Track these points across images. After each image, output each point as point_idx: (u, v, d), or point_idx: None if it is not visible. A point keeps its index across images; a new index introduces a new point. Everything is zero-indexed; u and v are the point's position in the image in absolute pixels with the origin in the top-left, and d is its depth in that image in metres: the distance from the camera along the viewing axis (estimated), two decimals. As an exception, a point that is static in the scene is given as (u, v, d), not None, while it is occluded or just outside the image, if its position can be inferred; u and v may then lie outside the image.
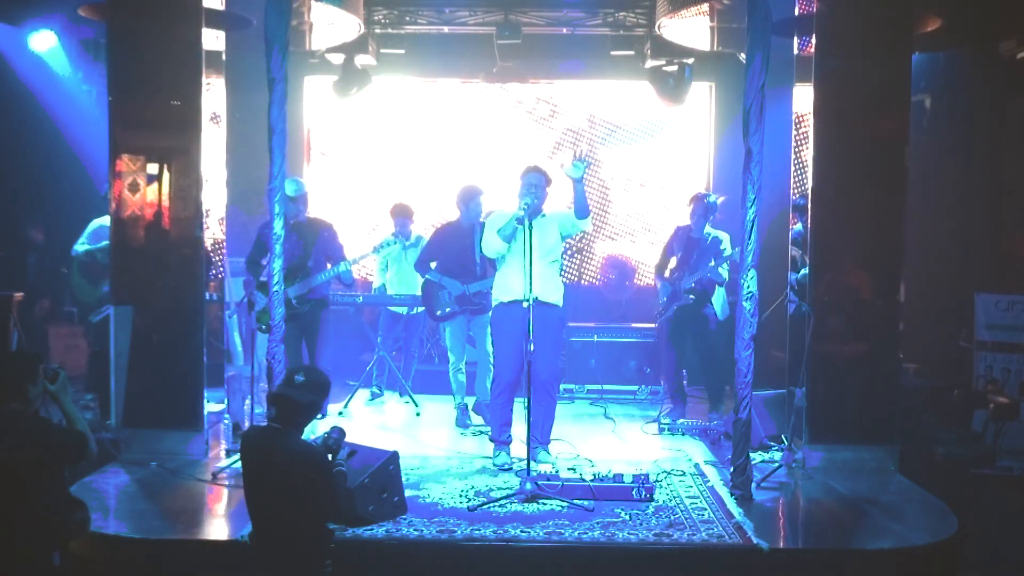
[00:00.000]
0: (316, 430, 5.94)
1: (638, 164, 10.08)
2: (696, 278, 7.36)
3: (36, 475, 4.00)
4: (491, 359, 7.33)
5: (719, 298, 7.52)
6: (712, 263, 7.19)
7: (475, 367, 7.43)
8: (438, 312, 7.28)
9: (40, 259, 8.61)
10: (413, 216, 8.28)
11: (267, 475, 4.05)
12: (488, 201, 7.44)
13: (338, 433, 4.51)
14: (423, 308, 7.88)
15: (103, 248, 7.03)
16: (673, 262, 7.70)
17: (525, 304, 5.75)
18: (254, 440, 4.18)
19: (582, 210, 6.05)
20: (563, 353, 8.01)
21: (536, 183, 6.06)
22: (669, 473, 5.96)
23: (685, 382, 7.87)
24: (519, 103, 10.10)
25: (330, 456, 4.44)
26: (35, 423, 4.10)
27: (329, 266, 7.00)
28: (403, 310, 8.27)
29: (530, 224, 5.78)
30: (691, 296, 7.44)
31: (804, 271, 6.49)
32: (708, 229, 7.46)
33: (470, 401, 7.44)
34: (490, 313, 7.27)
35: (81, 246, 7.35)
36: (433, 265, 7.30)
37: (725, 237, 7.40)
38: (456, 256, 7.17)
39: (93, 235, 7.40)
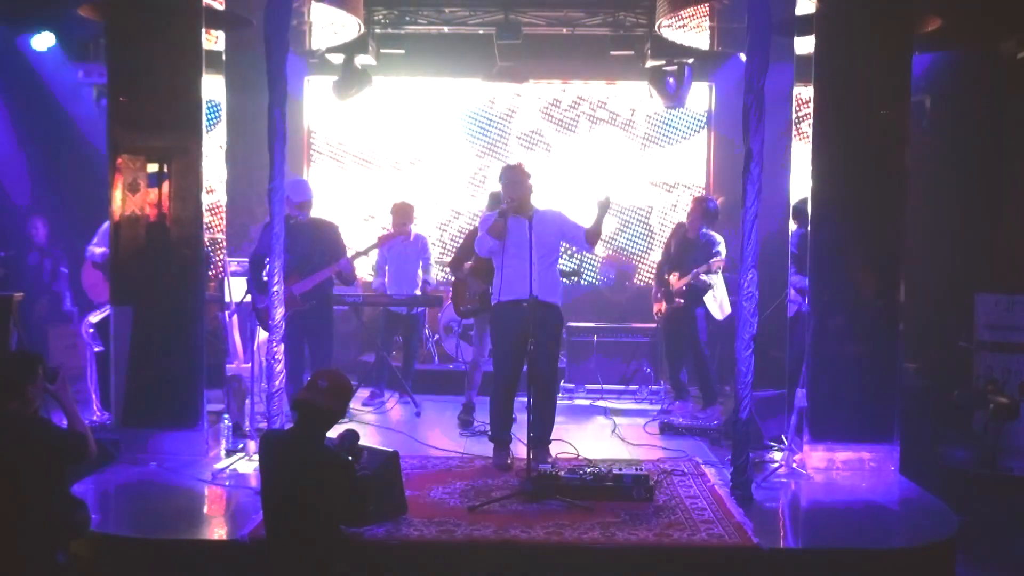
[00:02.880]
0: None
1: (638, 164, 10.09)
2: (684, 282, 7.40)
3: (37, 474, 4.00)
4: None
5: (719, 295, 7.54)
6: (696, 269, 7.26)
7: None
8: (461, 308, 7.34)
9: (40, 259, 8.60)
10: (414, 215, 8.28)
11: (288, 481, 4.02)
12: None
13: (353, 436, 4.48)
14: (423, 308, 7.89)
15: None
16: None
17: (525, 304, 5.75)
18: (274, 445, 4.15)
19: (594, 237, 6.10)
20: (562, 353, 8.02)
21: (515, 179, 6.09)
22: (669, 473, 5.96)
23: (685, 380, 7.88)
24: (519, 103, 10.11)
25: (350, 459, 4.43)
26: (35, 423, 4.10)
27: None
28: (403, 310, 8.26)
29: (530, 222, 5.78)
30: (680, 299, 7.46)
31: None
32: (705, 230, 7.50)
33: (478, 401, 7.43)
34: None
35: (97, 247, 7.38)
36: (467, 265, 7.33)
37: (720, 240, 7.43)
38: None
39: (106, 235, 7.42)
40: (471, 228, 7.68)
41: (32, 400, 4.11)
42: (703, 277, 7.27)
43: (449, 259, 7.88)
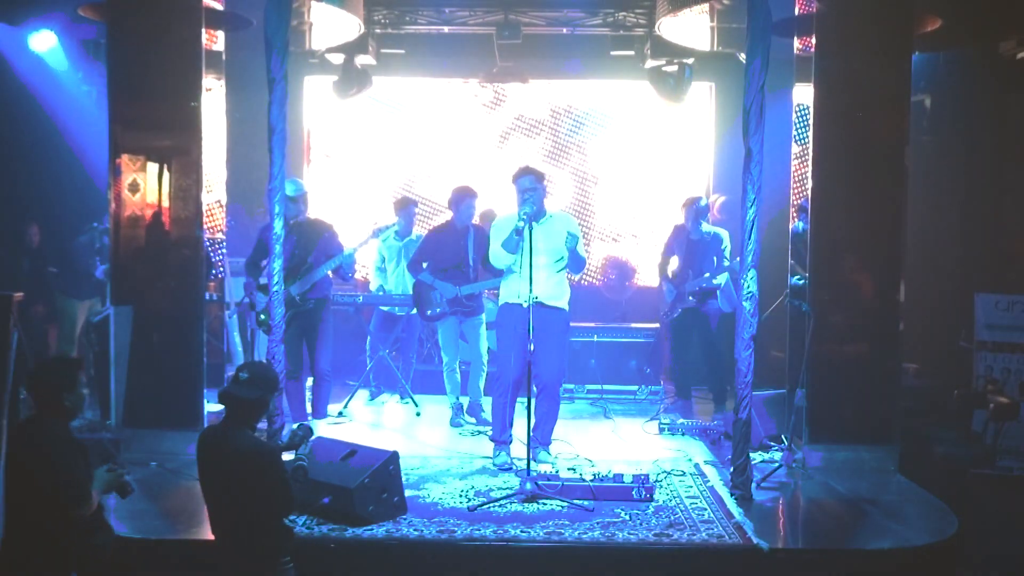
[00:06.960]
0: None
1: (638, 164, 10.08)
2: (698, 283, 7.42)
3: (58, 493, 3.93)
4: (483, 359, 7.34)
5: (727, 290, 7.56)
6: (708, 274, 7.26)
7: (468, 367, 7.44)
8: (428, 312, 7.29)
9: (32, 261, 8.58)
10: (416, 210, 8.27)
11: (220, 474, 4.08)
12: (482, 203, 7.43)
13: (304, 430, 4.57)
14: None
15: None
16: (674, 262, 7.75)
17: (525, 305, 5.75)
18: (206, 440, 4.20)
19: (575, 267, 6.12)
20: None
21: (530, 187, 5.99)
22: (669, 473, 5.96)
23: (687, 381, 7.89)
24: (519, 103, 10.11)
25: (295, 451, 4.47)
26: (71, 447, 4.01)
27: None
28: (402, 310, 8.26)
29: (530, 227, 5.76)
30: (692, 299, 7.49)
31: (799, 279, 6.50)
32: (707, 227, 7.54)
33: (465, 401, 7.44)
34: (483, 315, 7.30)
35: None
36: (425, 266, 7.30)
37: (725, 235, 7.46)
38: (449, 258, 7.16)
39: None
40: (432, 228, 7.62)
41: (70, 411, 4.08)
42: (716, 281, 7.32)
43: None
